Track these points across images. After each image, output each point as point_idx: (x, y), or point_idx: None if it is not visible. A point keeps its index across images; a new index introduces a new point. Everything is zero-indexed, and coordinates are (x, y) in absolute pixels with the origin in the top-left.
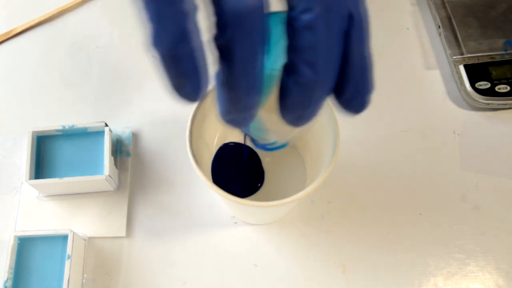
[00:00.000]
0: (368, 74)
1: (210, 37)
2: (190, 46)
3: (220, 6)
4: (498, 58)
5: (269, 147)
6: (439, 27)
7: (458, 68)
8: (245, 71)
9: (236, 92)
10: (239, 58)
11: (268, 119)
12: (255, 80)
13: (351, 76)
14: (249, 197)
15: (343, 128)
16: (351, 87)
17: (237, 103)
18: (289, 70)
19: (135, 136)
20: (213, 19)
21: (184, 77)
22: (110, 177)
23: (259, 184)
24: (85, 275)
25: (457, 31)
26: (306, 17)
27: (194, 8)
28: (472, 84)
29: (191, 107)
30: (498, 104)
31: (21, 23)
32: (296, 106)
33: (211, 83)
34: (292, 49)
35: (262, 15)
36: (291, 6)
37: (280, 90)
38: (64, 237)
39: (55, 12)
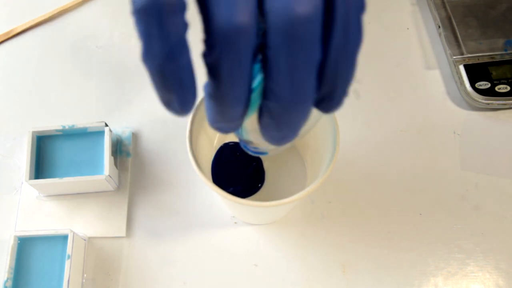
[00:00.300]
0: (343, 82)
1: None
2: (177, 65)
3: (208, 25)
4: (498, 58)
5: (253, 150)
6: (439, 27)
7: (458, 68)
8: (231, 88)
9: (222, 105)
10: (226, 76)
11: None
12: (241, 96)
13: (324, 80)
14: (249, 197)
15: (343, 128)
16: (323, 90)
17: (223, 115)
18: (263, 91)
19: (135, 136)
20: (203, 36)
21: (170, 93)
22: (110, 177)
23: (259, 184)
24: (85, 275)
25: (457, 31)
26: (271, 47)
27: (184, 27)
28: (472, 84)
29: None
30: (498, 104)
31: (21, 23)
32: (268, 127)
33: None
34: (264, 72)
35: (251, 35)
36: (264, 31)
37: (259, 109)
38: (64, 237)
39: (55, 12)
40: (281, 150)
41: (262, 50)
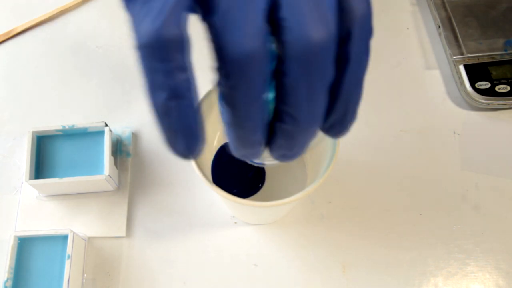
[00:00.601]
0: (354, 107)
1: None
2: (183, 104)
3: (221, 54)
4: (498, 58)
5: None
6: (439, 27)
7: (458, 68)
8: (248, 115)
9: (241, 132)
10: (242, 103)
11: None
12: (258, 121)
13: (336, 107)
14: (249, 197)
15: None
16: (334, 116)
17: (243, 141)
18: (275, 114)
19: (135, 136)
20: (214, 65)
21: (175, 135)
22: (110, 177)
23: (260, 185)
24: (85, 275)
25: (457, 31)
26: (290, 75)
27: (189, 64)
28: (472, 84)
29: None
30: (498, 104)
31: (21, 23)
32: (280, 148)
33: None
34: (278, 96)
35: (264, 62)
36: (279, 58)
37: (268, 130)
38: (64, 237)
39: (55, 12)
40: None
41: (275, 74)
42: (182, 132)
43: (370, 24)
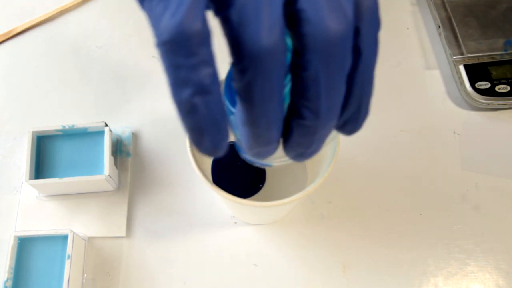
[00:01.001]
0: (367, 101)
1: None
2: (209, 98)
3: (238, 49)
4: (498, 58)
5: (258, 161)
6: (439, 27)
7: (458, 68)
8: (266, 112)
9: (257, 129)
10: (259, 100)
11: None
12: (275, 117)
13: (350, 102)
14: (249, 198)
15: None
16: (349, 111)
17: (259, 139)
18: (292, 110)
19: (135, 136)
20: (231, 62)
21: (201, 131)
22: (110, 177)
23: (260, 185)
24: (85, 275)
25: (457, 31)
26: (310, 67)
27: (213, 56)
28: (472, 84)
29: None
30: (498, 104)
31: (21, 23)
32: (299, 145)
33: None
34: (295, 92)
35: (282, 56)
36: (296, 52)
37: (284, 128)
38: (64, 237)
39: (55, 12)
40: (289, 162)
41: (291, 68)
42: (209, 128)
43: (378, 17)
